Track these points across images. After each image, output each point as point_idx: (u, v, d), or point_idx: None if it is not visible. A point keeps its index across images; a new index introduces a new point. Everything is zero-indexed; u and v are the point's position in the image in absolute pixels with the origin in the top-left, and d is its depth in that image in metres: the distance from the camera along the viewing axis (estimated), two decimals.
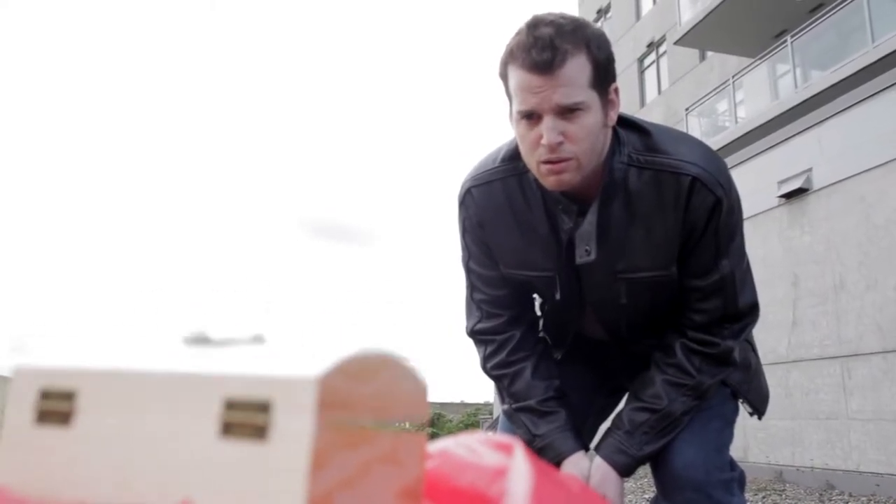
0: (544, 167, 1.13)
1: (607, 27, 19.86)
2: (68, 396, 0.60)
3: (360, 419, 0.52)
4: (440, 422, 16.39)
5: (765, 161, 6.31)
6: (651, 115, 16.81)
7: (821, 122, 5.75)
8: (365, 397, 0.52)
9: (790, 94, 11.13)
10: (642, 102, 18.17)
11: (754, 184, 6.15)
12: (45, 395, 0.61)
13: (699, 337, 1.27)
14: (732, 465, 1.34)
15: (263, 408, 0.50)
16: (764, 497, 4.94)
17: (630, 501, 4.65)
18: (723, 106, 13.50)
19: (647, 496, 4.83)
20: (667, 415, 1.27)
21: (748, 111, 12.49)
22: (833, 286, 5.40)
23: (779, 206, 6.00)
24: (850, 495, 4.93)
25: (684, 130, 11.51)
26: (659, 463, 1.30)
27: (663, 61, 17.63)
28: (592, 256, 1.24)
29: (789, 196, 5.86)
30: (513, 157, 1.26)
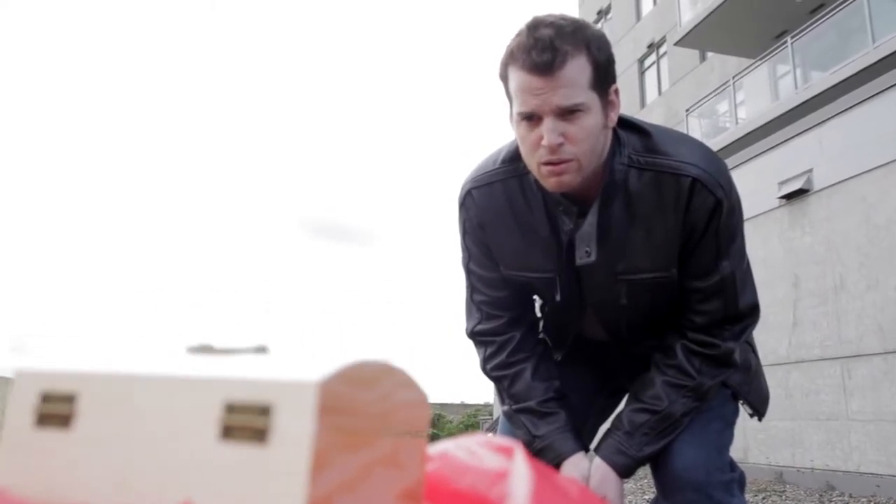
0: (545, 168, 1.13)
1: (607, 28, 19.86)
2: (69, 399, 0.60)
3: (360, 425, 0.52)
4: (440, 422, 16.41)
5: (765, 162, 6.31)
6: (651, 115, 16.81)
7: (821, 122, 5.75)
8: (365, 404, 0.52)
9: (790, 94, 11.12)
10: (643, 103, 18.16)
11: (755, 184, 6.15)
12: (46, 398, 0.61)
13: (699, 338, 1.27)
14: (732, 465, 1.34)
15: (264, 411, 0.50)
16: (764, 498, 4.94)
17: (630, 502, 4.65)
18: (723, 107, 13.50)
19: (647, 497, 4.83)
20: (667, 416, 1.27)
21: (749, 112, 12.49)
22: (833, 287, 5.40)
23: (779, 206, 6.00)
24: (851, 496, 4.93)
25: (685, 131, 11.51)
26: (659, 464, 1.30)
27: (664, 62, 17.63)
28: (593, 258, 1.24)
29: (790, 197, 5.86)
30: (513, 158, 1.26)
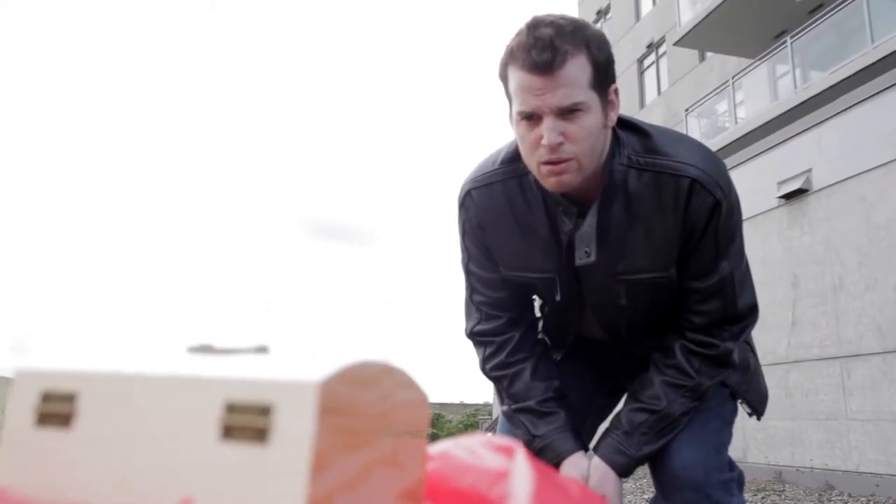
0: (545, 168, 1.13)
1: (607, 28, 19.87)
2: (69, 398, 0.60)
3: (361, 425, 0.52)
4: (440, 422, 16.41)
5: (764, 162, 6.31)
6: (651, 115, 16.81)
7: (820, 122, 5.75)
8: (365, 404, 0.52)
9: (790, 94, 11.13)
10: (642, 103, 18.17)
11: (754, 184, 6.15)
12: (46, 398, 0.61)
13: (698, 338, 1.27)
14: (731, 465, 1.34)
15: (264, 411, 0.50)
16: (763, 497, 4.94)
17: (629, 502, 4.65)
18: (722, 107, 13.50)
19: (646, 496, 4.83)
20: (665, 416, 1.27)
21: (748, 112, 12.49)
22: (833, 287, 5.40)
23: (778, 206, 6.00)
24: (850, 496, 4.93)
25: (684, 131, 11.52)
26: (658, 463, 1.30)
27: (663, 62, 17.63)
28: (592, 258, 1.24)
29: (789, 197, 5.86)
30: (513, 158, 1.26)
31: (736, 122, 12.68)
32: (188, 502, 0.50)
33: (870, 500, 4.72)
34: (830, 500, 4.79)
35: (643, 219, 1.21)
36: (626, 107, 16.58)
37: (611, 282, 1.27)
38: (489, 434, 0.95)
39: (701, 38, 13.68)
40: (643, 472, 5.30)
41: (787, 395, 5.71)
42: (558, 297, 1.31)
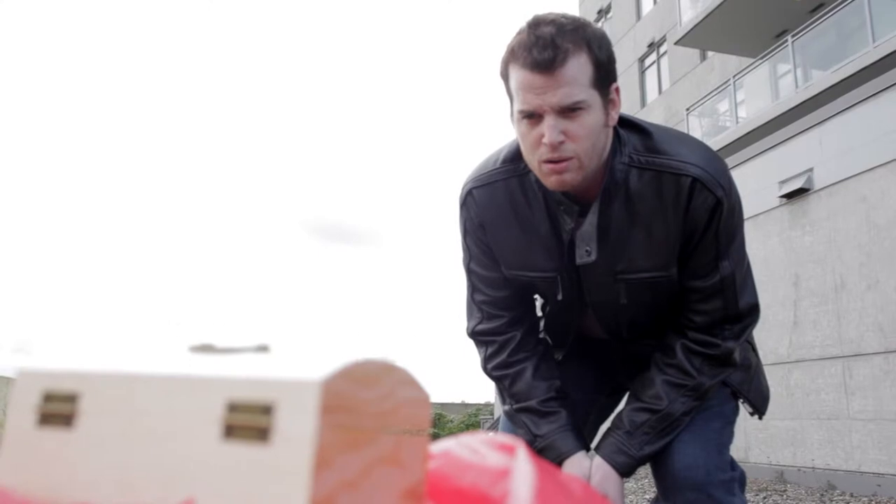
0: (546, 167, 1.13)
1: (608, 27, 19.86)
2: (71, 399, 0.60)
3: (362, 424, 0.52)
4: (441, 422, 16.40)
5: (765, 161, 6.30)
6: (652, 115, 16.81)
7: (822, 122, 5.74)
8: (367, 402, 0.52)
9: (791, 93, 11.12)
10: (643, 103, 18.16)
11: (755, 184, 6.15)
12: (48, 398, 0.61)
13: (699, 338, 1.27)
14: (733, 465, 1.34)
15: (266, 410, 0.50)
16: (765, 497, 4.94)
17: (631, 502, 4.65)
18: (723, 106, 13.50)
19: (647, 496, 4.83)
20: (667, 415, 1.27)
21: (749, 111, 12.49)
22: (834, 286, 5.39)
23: (780, 206, 5.99)
24: (852, 495, 4.93)
25: (685, 131, 11.52)
26: (659, 463, 1.30)
27: (664, 61, 17.62)
28: (593, 257, 1.24)
29: (790, 196, 5.86)
30: (514, 158, 1.26)
31: (737, 122, 12.67)
32: (190, 502, 0.50)
33: (871, 500, 4.72)
34: (832, 500, 4.79)
35: (644, 218, 1.21)
36: (627, 106, 16.58)
37: (611, 281, 1.27)
38: (491, 433, 0.95)
39: (702, 37, 13.68)
40: (645, 471, 5.30)
41: (788, 395, 5.70)
42: (560, 297, 1.31)
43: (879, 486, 4.87)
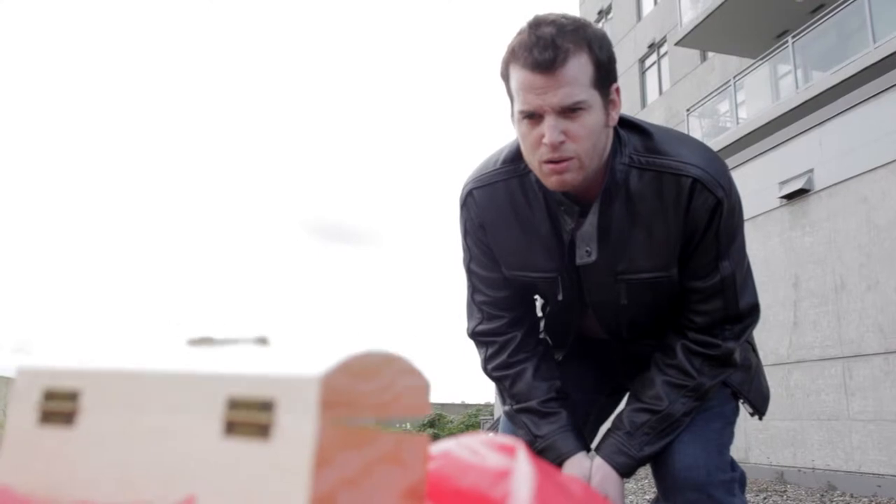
0: (546, 167, 1.13)
1: (608, 28, 19.86)
2: (71, 396, 0.60)
3: (363, 417, 0.52)
4: (441, 422, 16.39)
5: (766, 162, 6.30)
6: (652, 115, 16.81)
7: (822, 122, 5.74)
8: (367, 395, 0.52)
9: (791, 94, 11.12)
10: (643, 103, 18.16)
11: (755, 184, 6.15)
12: (49, 396, 0.61)
13: (700, 338, 1.27)
14: (733, 465, 1.34)
15: (266, 406, 0.50)
16: (765, 498, 4.94)
17: (631, 502, 4.65)
18: (724, 107, 13.50)
19: (647, 497, 4.83)
20: (667, 416, 1.27)
21: (749, 112, 12.49)
22: (834, 287, 5.39)
23: (780, 206, 5.99)
24: (852, 496, 4.92)
25: (685, 131, 11.52)
26: (660, 464, 1.30)
27: (664, 62, 17.62)
28: (593, 257, 1.24)
29: (790, 197, 5.86)
30: (514, 158, 1.26)
31: (737, 123, 12.68)
32: (192, 499, 0.50)
33: (872, 501, 4.72)
34: (832, 501, 4.79)
35: (644, 218, 1.21)
36: (628, 107, 16.58)
37: (612, 281, 1.27)
38: (491, 434, 0.95)
39: (702, 38, 13.68)
40: (645, 472, 5.30)
41: (788, 396, 5.70)
42: (560, 297, 1.31)
43: (879, 486, 4.87)
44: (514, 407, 1.36)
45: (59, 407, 0.60)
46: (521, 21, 1.13)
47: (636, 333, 1.37)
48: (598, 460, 1.28)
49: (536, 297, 1.45)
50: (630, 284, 1.26)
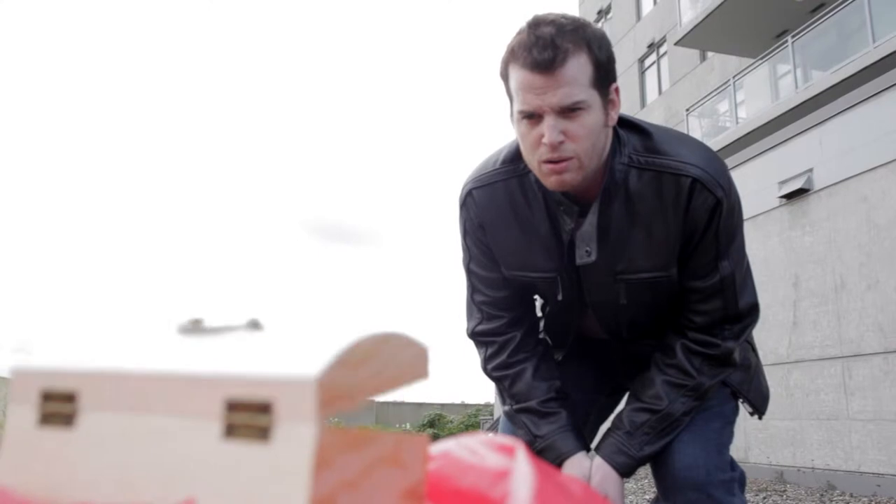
0: (546, 167, 1.13)
1: (608, 28, 19.87)
2: (70, 398, 0.60)
3: (364, 399, 0.52)
4: (441, 422, 16.40)
5: (765, 161, 6.30)
6: (652, 115, 16.81)
7: (822, 122, 5.74)
8: (366, 379, 0.52)
9: (791, 94, 11.13)
10: (643, 103, 18.17)
11: (755, 184, 6.15)
12: (47, 397, 0.61)
13: (699, 338, 1.27)
14: (733, 465, 1.34)
15: (265, 408, 0.49)
16: (765, 497, 4.94)
17: (631, 502, 4.65)
18: (723, 106, 13.50)
19: (647, 497, 4.83)
20: (667, 415, 1.27)
21: (749, 112, 12.49)
22: (834, 287, 5.40)
23: (780, 206, 6.00)
24: (852, 496, 4.93)
25: (685, 131, 11.52)
26: (659, 463, 1.31)
27: (664, 62, 17.63)
28: (593, 257, 1.24)
29: (790, 196, 5.86)
30: (514, 158, 1.26)
31: (737, 122, 12.68)
32: (191, 501, 0.50)
33: (871, 500, 4.72)
34: (832, 500, 4.79)
35: (644, 218, 1.21)
36: (627, 106, 16.58)
37: (611, 281, 1.27)
38: (490, 434, 0.95)
39: (702, 37, 13.69)
40: (645, 471, 5.30)
41: (788, 395, 5.71)
42: (560, 297, 1.31)
43: (879, 486, 4.87)
44: (514, 407, 1.36)
45: (58, 408, 0.60)
46: (521, 21, 1.13)
47: (636, 333, 1.37)
48: (598, 460, 1.28)
49: (536, 297, 1.45)
50: (629, 284, 1.26)
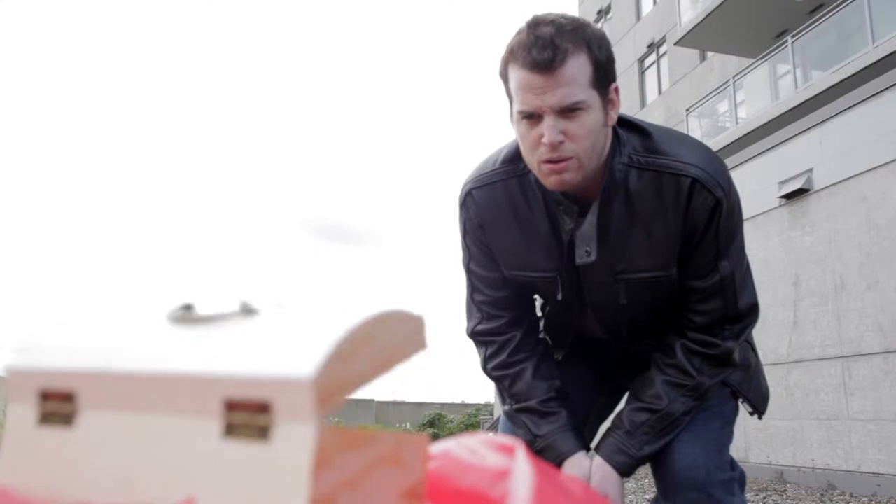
0: (545, 167, 1.13)
1: (607, 28, 19.87)
2: (69, 397, 0.60)
3: (365, 383, 0.52)
4: (441, 422, 16.39)
5: (765, 161, 6.30)
6: (651, 115, 16.81)
7: (821, 122, 5.74)
8: (364, 365, 0.52)
9: (791, 94, 11.13)
10: (643, 103, 18.17)
11: (755, 184, 6.15)
12: (47, 396, 0.61)
13: (699, 338, 1.27)
14: (733, 464, 1.34)
15: (264, 408, 0.49)
16: (765, 497, 4.94)
17: (630, 502, 4.65)
18: (723, 106, 13.51)
19: (647, 496, 4.83)
20: (667, 415, 1.27)
21: (749, 112, 12.50)
22: (834, 286, 5.40)
23: (779, 206, 6.00)
24: (852, 495, 4.93)
25: (685, 131, 11.52)
26: (659, 463, 1.31)
27: (664, 62, 17.63)
28: (593, 257, 1.24)
29: (790, 196, 5.86)
30: (513, 158, 1.26)
31: (737, 122, 12.69)
32: (191, 501, 0.50)
33: (871, 500, 4.72)
34: (832, 500, 4.79)
35: (644, 218, 1.21)
36: (627, 106, 16.58)
37: (611, 281, 1.27)
38: (490, 433, 0.95)
39: (702, 37, 13.69)
40: (645, 471, 5.30)
41: (788, 395, 5.71)
42: (560, 297, 1.31)
43: (879, 486, 4.87)
44: (514, 406, 1.36)
45: (58, 408, 0.60)
46: (521, 21, 1.13)
47: (636, 333, 1.37)
48: (598, 460, 1.28)
49: (536, 296, 1.45)
50: (629, 284, 1.27)
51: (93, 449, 0.57)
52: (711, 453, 1.29)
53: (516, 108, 1.13)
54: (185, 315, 0.61)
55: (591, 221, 1.23)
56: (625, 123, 1.23)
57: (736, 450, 1.42)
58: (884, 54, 9.23)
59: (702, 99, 14.04)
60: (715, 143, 12.06)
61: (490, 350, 1.38)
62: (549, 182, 1.16)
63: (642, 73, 18.58)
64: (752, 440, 6.08)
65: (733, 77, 12.94)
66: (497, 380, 1.38)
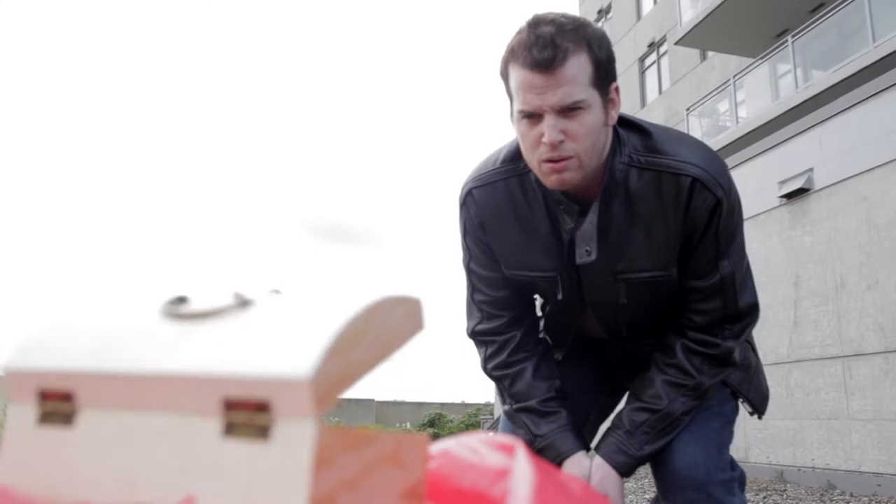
0: (546, 166, 1.13)
1: (608, 27, 19.87)
2: (69, 397, 0.60)
3: (365, 372, 0.51)
4: (441, 422, 16.39)
5: (766, 161, 6.30)
6: (652, 115, 16.81)
7: (822, 121, 5.74)
8: (363, 356, 0.52)
9: (791, 93, 11.13)
10: (643, 103, 18.17)
11: (755, 184, 6.15)
12: (46, 396, 0.61)
13: (699, 337, 1.27)
14: (733, 464, 1.34)
15: (263, 407, 0.49)
16: (765, 497, 4.94)
17: (630, 501, 4.65)
18: (724, 106, 13.51)
19: (647, 496, 4.83)
20: (667, 415, 1.27)
21: (749, 111, 12.49)
22: (834, 286, 5.40)
23: (780, 206, 5.99)
24: (852, 495, 4.93)
25: (685, 131, 11.53)
26: (659, 463, 1.31)
27: (664, 61, 17.63)
28: (593, 257, 1.24)
29: (790, 196, 5.86)
30: (514, 158, 1.26)
31: (737, 122, 12.69)
32: (191, 500, 0.50)
33: (871, 500, 4.72)
34: (832, 500, 4.79)
35: (644, 218, 1.21)
36: (628, 106, 16.58)
37: (611, 281, 1.27)
38: (491, 433, 0.95)
39: (702, 37, 13.68)
40: (645, 471, 5.30)
41: (788, 395, 5.71)
42: (560, 296, 1.31)
43: (879, 485, 4.87)
44: (514, 406, 1.36)
45: (58, 407, 0.60)
46: (521, 21, 1.13)
47: (636, 333, 1.37)
48: (598, 459, 1.28)
49: (536, 296, 1.45)
50: (629, 284, 1.26)
51: (92, 448, 0.57)
52: (711, 453, 1.29)
53: (517, 107, 1.13)
54: (182, 309, 0.60)
55: (591, 221, 1.23)
56: (625, 123, 1.23)
57: (736, 450, 1.42)
58: (884, 54, 9.23)
59: (702, 98, 14.03)
60: (715, 143, 12.06)
61: (490, 350, 1.38)
62: (550, 181, 1.15)
63: (643, 72, 18.58)
64: (752, 440, 6.08)
65: (734, 76, 12.93)
66: (497, 379, 1.38)
